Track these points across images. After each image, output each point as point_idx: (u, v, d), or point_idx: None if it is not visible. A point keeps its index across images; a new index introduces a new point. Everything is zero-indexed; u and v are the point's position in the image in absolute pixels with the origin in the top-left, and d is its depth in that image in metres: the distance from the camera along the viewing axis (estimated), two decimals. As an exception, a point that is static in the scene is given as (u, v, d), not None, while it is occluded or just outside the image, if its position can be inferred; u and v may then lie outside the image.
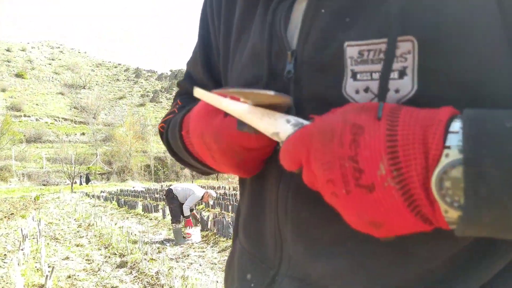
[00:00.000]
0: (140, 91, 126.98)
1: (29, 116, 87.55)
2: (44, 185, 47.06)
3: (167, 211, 10.86)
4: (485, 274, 0.48)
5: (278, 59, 0.57)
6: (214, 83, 0.77)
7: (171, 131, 0.73)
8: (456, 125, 0.37)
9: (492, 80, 0.43)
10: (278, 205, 0.58)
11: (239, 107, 0.50)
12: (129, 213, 14.11)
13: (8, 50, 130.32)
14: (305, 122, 0.48)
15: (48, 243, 7.89)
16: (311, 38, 0.52)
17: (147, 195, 20.77)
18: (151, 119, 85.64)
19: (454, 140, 0.36)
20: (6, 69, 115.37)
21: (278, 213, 0.58)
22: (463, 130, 0.36)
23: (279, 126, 0.48)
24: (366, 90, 0.47)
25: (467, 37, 0.42)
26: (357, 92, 0.48)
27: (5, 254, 6.55)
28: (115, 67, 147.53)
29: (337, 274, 0.52)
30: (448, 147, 0.36)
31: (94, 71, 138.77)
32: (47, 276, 3.95)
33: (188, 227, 7.97)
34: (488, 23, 0.42)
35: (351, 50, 0.47)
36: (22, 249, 6.33)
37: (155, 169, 59.19)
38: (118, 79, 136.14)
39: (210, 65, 0.79)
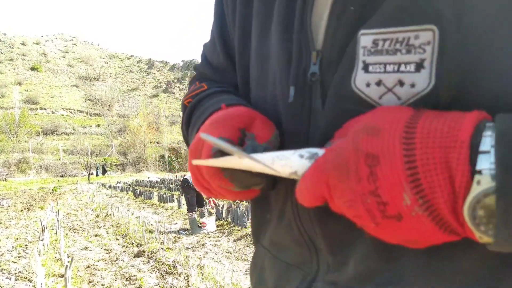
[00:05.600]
0: (153, 82, 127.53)
1: (45, 109, 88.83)
2: (61, 176, 47.96)
3: (182, 201, 10.97)
4: None
5: (301, 58, 0.53)
6: (233, 65, 0.73)
7: (196, 116, 0.68)
8: (487, 142, 0.34)
9: None
10: (301, 217, 0.56)
11: (247, 162, 0.47)
12: (145, 203, 14.29)
13: (23, 44, 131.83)
14: (319, 151, 0.45)
15: (67, 234, 8.05)
16: (338, 38, 0.49)
17: (162, 185, 20.98)
18: (165, 109, 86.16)
19: (486, 162, 0.33)
20: (21, 63, 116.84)
21: (304, 225, 0.56)
22: (496, 150, 0.33)
23: (294, 164, 0.45)
24: (378, 83, 0.44)
25: (496, 29, 0.39)
26: (368, 85, 0.44)
27: (26, 245, 6.71)
28: (128, 58, 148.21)
29: (367, 276, 0.50)
30: (479, 172, 0.33)
31: (107, 63, 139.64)
32: (66, 266, 4.03)
33: (209, 207, 8.25)
34: None
35: (365, 39, 0.44)
36: (42, 240, 6.47)
37: (169, 159, 59.68)
38: (131, 71, 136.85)
39: (228, 47, 0.74)
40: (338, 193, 0.41)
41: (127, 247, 6.66)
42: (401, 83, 0.42)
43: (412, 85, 0.42)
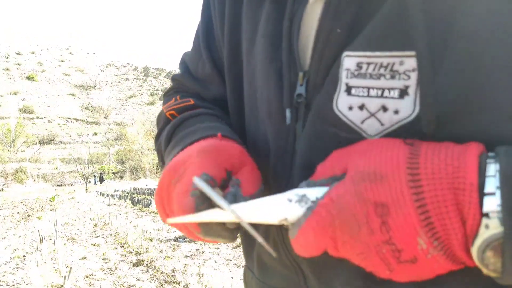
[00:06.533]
0: (149, 90, 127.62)
1: (41, 118, 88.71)
2: (59, 185, 47.81)
3: (181, 208, 10.93)
4: None
5: (290, 80, 0.51)
6: (220, 75, 0.70)
7: (181, 136, 0.62)
8: (491, 183, 0.33)
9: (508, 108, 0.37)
10: (286, 242, 0.55)
11: (230, 217, 0.43)
12: (143, 211, 14.23)
13: (18, 54, 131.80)
14: (307, 193, 0.42)
15: (65, 244, 8.01)
16: (325, 59, 0.47)
17: (160, 192, 20.90)
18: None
19: (492, 204, 0.33)
20: (17, 72, 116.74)
21: (289, 249, 0.55)
22: (502, 194, 0.32)
23: (283, 211, 0.42)
24: (361, 107, 0.42)
25: (482, 57, 0.37)
26: (350, 108, 0.43)
27: (23, 256, 6.66)
28: (124, 66, 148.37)
29: None
30: (487, 215, 0.33)
31: (103, 71, 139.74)
32: (65, 276, 4.01)
33: None
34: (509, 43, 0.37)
35: (349, 61, 0.43)
36: (40, 250, 6.43)
37: (167, 166, 59.47)
38: (127, 79, 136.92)
39: (215, 56, 0.70)
40: (348, 247, 0.39)
41: (125, 256, 6.63)
42: (384, 108, 0.41)
43: (396, 112, 0.40)
